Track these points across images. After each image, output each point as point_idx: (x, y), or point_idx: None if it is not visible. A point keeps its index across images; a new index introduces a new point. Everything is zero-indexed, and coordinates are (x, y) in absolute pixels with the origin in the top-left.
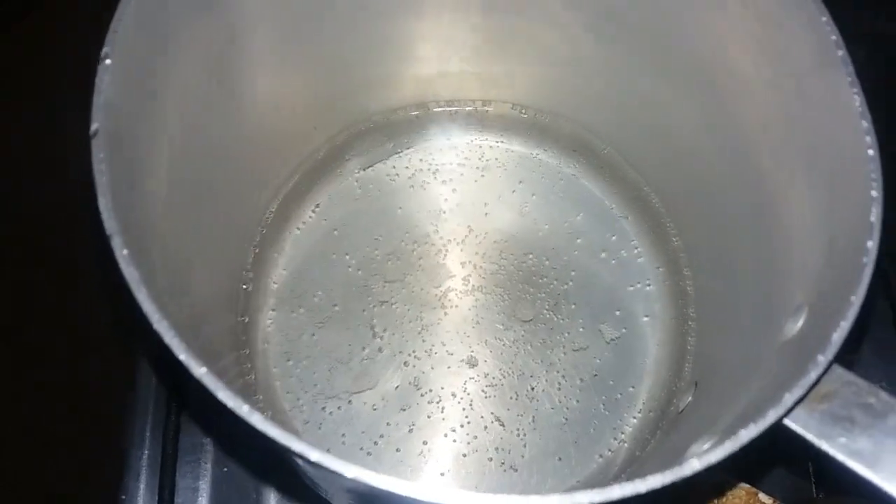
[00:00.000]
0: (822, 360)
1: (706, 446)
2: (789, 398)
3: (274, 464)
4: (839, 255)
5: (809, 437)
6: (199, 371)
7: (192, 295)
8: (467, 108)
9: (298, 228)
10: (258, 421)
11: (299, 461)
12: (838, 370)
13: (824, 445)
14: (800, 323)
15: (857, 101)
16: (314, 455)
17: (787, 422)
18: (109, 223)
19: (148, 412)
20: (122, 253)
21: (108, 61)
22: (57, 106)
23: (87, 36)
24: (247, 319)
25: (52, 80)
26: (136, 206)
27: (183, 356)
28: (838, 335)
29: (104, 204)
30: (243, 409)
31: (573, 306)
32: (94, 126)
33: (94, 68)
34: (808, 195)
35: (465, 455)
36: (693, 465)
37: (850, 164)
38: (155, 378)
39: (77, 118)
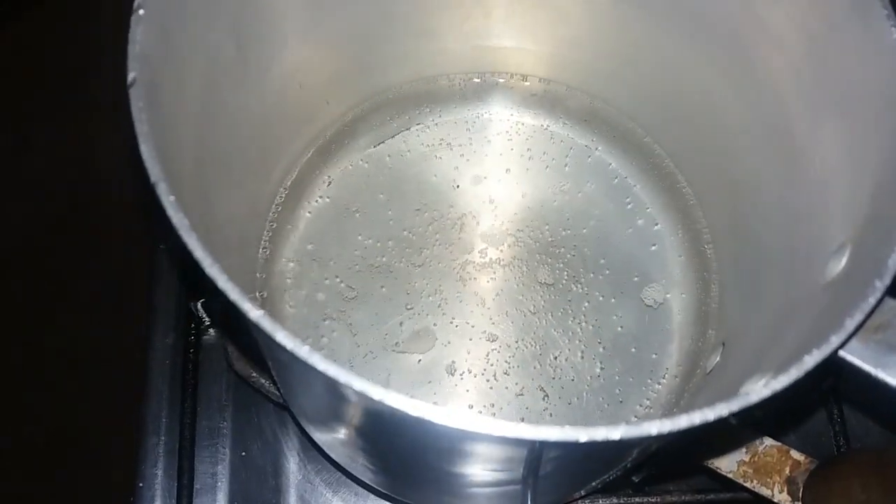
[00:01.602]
0: (880, 284)
1: (761, 383)
2: (850, 323)
3: (292, 445)
4: (885, 188)
5: (867, 367)
6: (256, 314)
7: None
8: (478, 82)
9: (312, 205)
10: (318, 360)
11: (349, 405)
12: (891, 302)
13: (881, 374)
14: (843, 261)
15: (894, 33)
16: (377, 393)
17: (843, 353)
18: (154, 170)
19: (163, 398)
20: (169, 199)
21: (141, 11)
22: (54, 106)
23: (84, 35)
24: (265, 294)
25: (50, 79)
26: (172, 160)
27: (237, 298)
28: (894, 260)
29: (147, 152)
30: (303, 350)
31: (591, 275)
32: (131, 76)
33: (90, 69)
34: (845, 136)
35: None
36: (760, 391)
37: (891, 96)
38: (170, 364)
39: (72, 118)
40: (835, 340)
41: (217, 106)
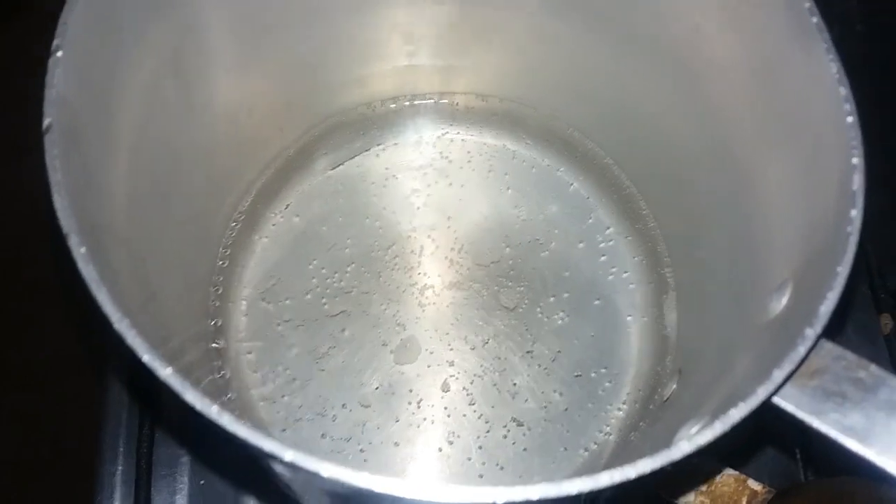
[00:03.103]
0: (811, 333)
1: (694, 430)
2: (779, 374)
3: (252, 476)
4: (822, 228)
5: (801, 414)
6: (165, 372)
7: (159, 300)
8: (436, 102)
9: (269, 230)
10: (228, 422)
11: (274, 464)
12: (827, 345)
13: (815, 422)
14: (784, 300)
15: (833, 68)
16: (288, 455)
17: (777, 400)
18: (65, 221)
19: (120, 426)
20: (79, 251)
21: (59, 54)
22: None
23: None
24: (219, 322)
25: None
26: (94, 207)
27: (146, 357)
28: (826, 307)
29: (59, 202)
30: (212, 410)
31: (552, 298)
32: (46, 121)
33: None
34: (788, 169)
35: (448, 455)
36: (683, 447)
37: (830, 133)
38: (126, 391)
39: None
40: (762, 392)
41: (156, 141)
